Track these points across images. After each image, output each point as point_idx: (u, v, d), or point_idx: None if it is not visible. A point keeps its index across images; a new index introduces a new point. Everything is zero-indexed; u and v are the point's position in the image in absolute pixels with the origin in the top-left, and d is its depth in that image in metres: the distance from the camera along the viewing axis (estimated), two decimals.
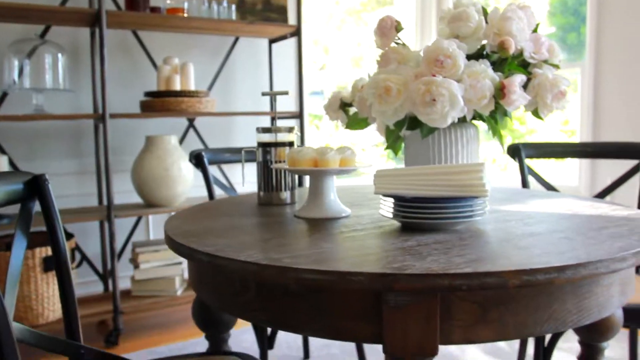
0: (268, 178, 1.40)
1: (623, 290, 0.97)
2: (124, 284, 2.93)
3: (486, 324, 0.81)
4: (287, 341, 2.51)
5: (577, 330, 1.28)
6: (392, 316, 0.78)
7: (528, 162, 2.06)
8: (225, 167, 3.26)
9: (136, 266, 2.68)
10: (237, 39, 3.24)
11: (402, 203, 1.03)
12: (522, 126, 5.00)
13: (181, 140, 3.10)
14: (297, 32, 3.01)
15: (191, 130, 3.14)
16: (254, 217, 1.24)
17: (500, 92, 1.14)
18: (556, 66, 1.28)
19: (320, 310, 0.83)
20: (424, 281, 0.74)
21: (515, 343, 2.41)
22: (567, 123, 3.88)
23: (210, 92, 3.08)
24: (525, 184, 2.02)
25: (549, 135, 3.97)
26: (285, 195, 1.42)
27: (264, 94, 1.42)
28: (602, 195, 1.94)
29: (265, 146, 1.40)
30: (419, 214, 1.01)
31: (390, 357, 0.81)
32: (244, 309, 0.92)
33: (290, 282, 0.79)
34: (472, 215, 1.02)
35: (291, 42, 3.31)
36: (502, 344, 2.45)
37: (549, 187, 1.98)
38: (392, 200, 1.06)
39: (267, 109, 3.33)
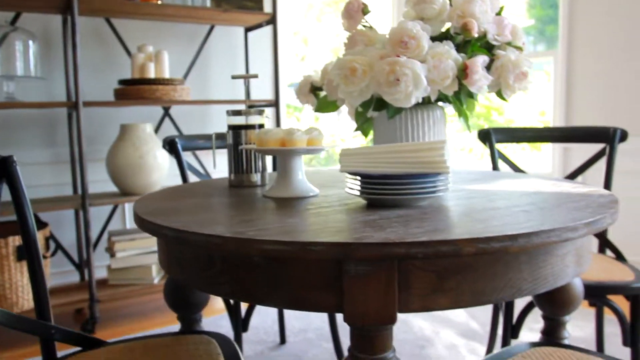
0: (238, 160, 1.42)
1: (578, 261, 1.01)
2: (100, 273, 2.92)
3: (444, 292, 0.83)
4: (264, 327, 2.54)
5: (540, 306, 1.32)
6: (352, 286, 0.80)
7: (499, 147, 2.09)
8: (200, 154, 3.25)
9: (112, 255, 2.67)
10: (212, 27, 3.23)
11: (367, 180, 1.05)
12: (500, 117, 5.07)
13: (157, 129, 3.09)
14: (272, 20, 3.01)
15: (167, 119, 3.13)
16: (223, 197, 1.25)
17: (463, 73, 1.17)
18: (519, 48, 1.31)
19: (283, 281, 0.85)
20: (382, 250, 0.76)
21: (488, 325, 2.46)
22: (543, 114, 3.95)
23: (185, 80, 3.07)
24: (495, 167, 2.06)
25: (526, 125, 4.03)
26: (256, 177, 1.43)
27: (233, 77, 1.43)
28: (571, 177, 1.99)
29: (235, 129, 1.42)
30: (382, 191, 1.04)
31: (350, 326, 0.83)
32: (210, 282, 0.94)
33: (253, 254, 0.80)
34: (435, 191, 1.04)
35: (268, 30, 3.31)
36: (475, 326, 2.50)
37: (518, 170, 2.02)
38: (357, 178, 1.08)
39: (244, 97, 3.32)
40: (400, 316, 2.63)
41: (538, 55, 3.46)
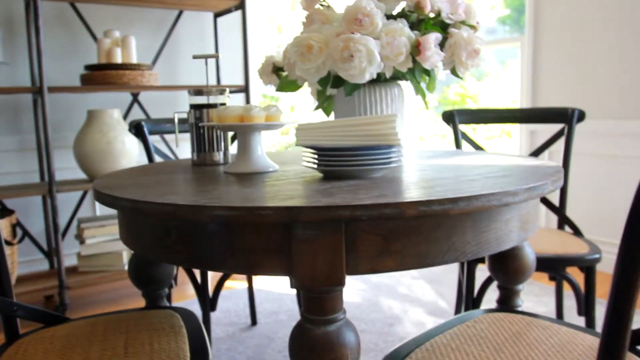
0: (201, 139, 1.43)
1: (523, 227, 1.05)
2: (71, 260, 2.91)
3: (390, 255, 0.87)
4: (236, 310, 2.56)
5: (495, 276, 1.37)
6: (301, 249, 0.83)
7: (464, 128, 2.14)
8: (169, 139, 3.25)
9: (82, 242, 2.67)
10: (180, 12, 3.21)
11: (322, 153, 1.08)
12: (475, 104, 5.15)
13: (125, 115, 3.07)
14: (241, 5, 3.01)
15: (135, 105, 3.11)
16: (184, 174, 1.27)
17: (416, 49, 1.20)
18: (473, 27, 1.35)
19: (236, 247, 0.87)
20: (327, 212, 0.79)
21: (454, 304, 2.52)
22: (515, 102, 4.02)
23: (154, 66, 3.06)
24: (458, 147, 2.11)
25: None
26: (219, 156, 1.45)
27: (194, 57, 1.44)
28: (534, 156, 2.05)
29: (197, 108, 1.43)
30: (336, 163, 1.07)
31: (300, 289, 0.86)
32: (167, 252, 0.96)
33: (205, 220, 0.83)
34: (387, 163, 1.08)
35: (237, 16, 3.30)
36: (443, 304, 2.56)
37: (479, 148, 2.07)
38: (312, 151, 1.11)
39: (214, 83, 3.32)
40: (370, 297, 2.68)
41: (506, 42, 3.53)
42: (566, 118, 2.01)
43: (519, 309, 1.39)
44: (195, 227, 0.91)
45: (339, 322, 0.88)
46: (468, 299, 1.76)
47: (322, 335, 0.87)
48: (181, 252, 0.93)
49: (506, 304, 1.39)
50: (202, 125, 1.37)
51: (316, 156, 1.09)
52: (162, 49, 3.17)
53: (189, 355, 1.07)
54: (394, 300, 2.62)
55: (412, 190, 0.91)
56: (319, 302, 0.87)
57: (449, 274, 3.01)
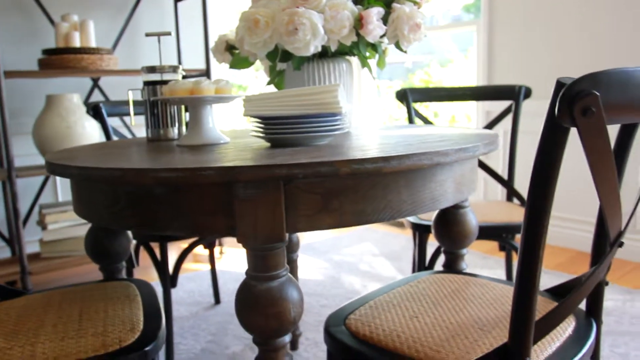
0: (155, 116, 1.46)
1: (458, 188, 1.12)
2: (34, 247, 2.90)
3: (328, 212, 0.92)
4: (200, 290, 2.60)
5: (441, 241, 1.44)
6: (243, 208, 0.88)
7: (419, 107, 2.21)
8: (129, 121, 3.24)
9: (44, 227, 2.66)
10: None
11: (267, 122, 1.13)
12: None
13: (86, 100, 3.05)
14: None
15: (96, 90, 3.10)
16: (137, 147, 1.30)
17: (359, 23, 1.25)
18: (417, 3, 1.40)
19: (182, 209, 0.92)
20: (266, 171, 0.84)
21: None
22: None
23: (114, 50, 3.05)
24: (411, 122, 2.18)
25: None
26: (173, 132, 1.48)
27: (147, 35, 1.47)
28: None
29: (150, 85, 1.46)
30: (281, 131, 1.11)
31: (244, 247, 0.91)
32: (117, 217, 1.00)
33: (150, 183, 0.87)
34: (331, 130, 1.13)
35: (198, 1, 3.30)
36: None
37: (428, 123, 2.15)
38: (259, 121, 1.15)
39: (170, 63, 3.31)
40: (332, 274, 2.74)
41: (463, 25, 3.61)
42: (513, 95, 2.10)
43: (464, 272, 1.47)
44: (142, 191, 0.94)
45: (281, 279, 0.94)
46: (420, 267, 1.83)
47: (265, 290, 0.92)
48: (130, 217, 0.97)
49: (451, 267, 1.46)
50: (153, 100, 1.40)
51: (262, 126, 1.14)
52: (122, 33, 3.15)
53: (142, 320, 1.11)
54: (355, 277, 2.69)
55: (350, 152, 0.96)
56: (261, 259, 0.92)
57: (408, 251, 3.10)
